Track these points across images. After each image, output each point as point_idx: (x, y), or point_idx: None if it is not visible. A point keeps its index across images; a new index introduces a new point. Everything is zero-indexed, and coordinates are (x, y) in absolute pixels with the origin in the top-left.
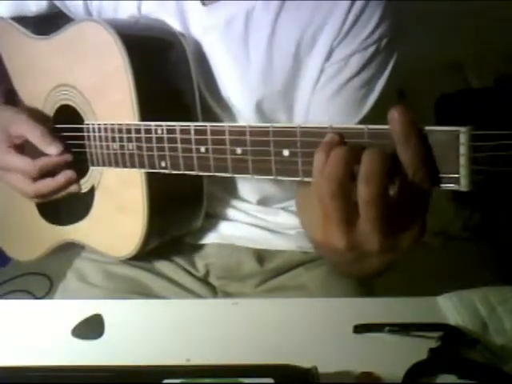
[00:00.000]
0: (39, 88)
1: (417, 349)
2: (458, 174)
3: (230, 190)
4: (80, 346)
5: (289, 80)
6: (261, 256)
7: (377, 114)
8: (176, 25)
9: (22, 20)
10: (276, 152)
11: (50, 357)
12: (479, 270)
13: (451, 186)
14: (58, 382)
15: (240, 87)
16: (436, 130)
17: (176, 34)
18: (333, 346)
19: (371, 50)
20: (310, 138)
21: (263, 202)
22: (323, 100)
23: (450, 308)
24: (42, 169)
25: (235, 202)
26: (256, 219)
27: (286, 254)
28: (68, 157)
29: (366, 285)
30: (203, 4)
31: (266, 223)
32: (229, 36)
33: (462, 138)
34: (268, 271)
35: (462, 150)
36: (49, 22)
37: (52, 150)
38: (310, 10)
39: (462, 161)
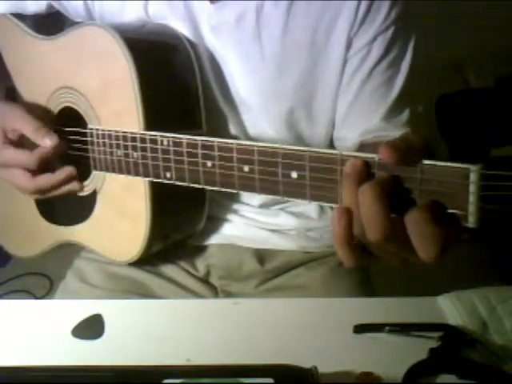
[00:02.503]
0: (41, 88)
1: (417, 349)
2: (466, 210)
3: (232, 195)
4: (80, 345)
5: (306, 73)
6: (261, 256)
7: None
8: (185, 26)
9: (22, 17)
10: (284, 174)
11: (50, 357)
12: (479, 270)
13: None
14: (58, 382)
15: (255, 84)
16: (446, 166)
17: (181, 39)
18: (333, 345)
19: (392, 30)
20: (319, 164)
21: (264, 204)
22: (353, 90)
23: (450, 308)
24: (40, 158)
25: (236, 205)
26: (256, 221)
27: (286, 254)
28: (63, 147)
29: (366, 285)
30: (211, 2)
31: (266, 224)
32: (240, 32)
33: (472, 177)
34: (268, 271)
35: (472, 188)
36: (48, 22)
37: (46, 142)
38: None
39: (471, 198)
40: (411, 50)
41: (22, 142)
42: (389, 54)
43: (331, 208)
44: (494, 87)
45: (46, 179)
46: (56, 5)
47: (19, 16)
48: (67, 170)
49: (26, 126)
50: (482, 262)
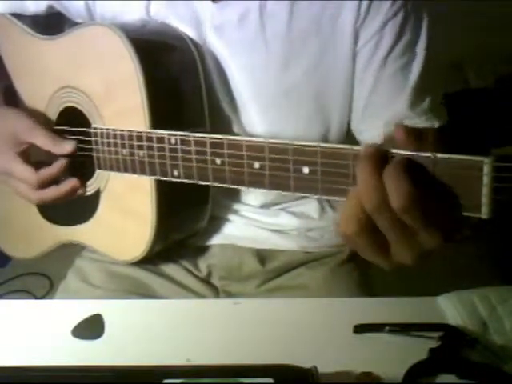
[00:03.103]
0: (42, 88)
1: (417, 349)
2: (479, 202)
3: (233, 195)
4: (80, 345)
5: (312, 68)
6: (262, 256)
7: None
8: (188, 26)
9: (22, 17)
10: (295, 169)
11: (50, 357)
12: (479, 270)
13: (471, 213)
14: (58, 382)
15: (259, 82)
16: (459, 159)
17: (184, 38)
18: (333, 346)
19: (401, 15)
20: (330, 159)
21: (265, 205)
22: (370, 80)
23: (450, 308)
24: (44, 181)
25: (237, 206)
26: (257, 221)
27: (287, 254)
28: (64, 162)
29: (366, 285)
30: (214, 2)
31: (267, 225)
32: (244, 31)
33: (486, 169)
34: (269, 271)
35: (485, 180)
36: (49, 22)
37: (67, 149)
38: None
39: (485, 190)
40: (425, 34)
41: (32, 153)
42: (401, 40)
43: (332, 208)
44: (493, 87)
45: (50, 193)
46: (57, 5)
47: (19, 16)
48: (72, 183)
49: (42, 139)
50: (483, 260)
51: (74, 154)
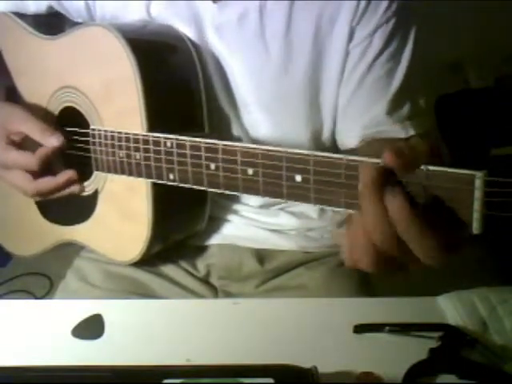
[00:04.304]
0: (43, 88)
1: (417, 349)
2: (470, 216)
3: (232, 195)
4: (80, 345)
5: (311, 68)
6: (261, 256)
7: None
8: (189, 27)
9: (23, 16)
10: (288, 177)
11: (50, 357)
12: (479, 270)
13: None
14: (58, 382)
15: (259, 84)
16: (451, 172)
17: (184, 39)
18: (333, 345)
19: (392, 22)
20: (323, 168)
21: (264, 205)
22: (354, 81)
23: (450, 308)
24: (42, 159)
25: (236, 206)
26: (256, 221)
27: (286, 254)
28: (64, 146)
29: (366, 285)
30: (214, 2)
31: (266, 224)
32: (244, 31)
33: (477, 183)
34: (269, 271)
35: (477, 194)
36: (50, 21)
37: (53, 143)
38: None
39: (476, 205)
40: (411, 44)
41: (23, 145)
42: (389, 47)
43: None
44: (493, 87)
45: (46, 182)
46: (56, 6)
47: (20, 15)
48: (68, 174)
49: (32, 127)
50: (482, 261)
51: (62, 149)
